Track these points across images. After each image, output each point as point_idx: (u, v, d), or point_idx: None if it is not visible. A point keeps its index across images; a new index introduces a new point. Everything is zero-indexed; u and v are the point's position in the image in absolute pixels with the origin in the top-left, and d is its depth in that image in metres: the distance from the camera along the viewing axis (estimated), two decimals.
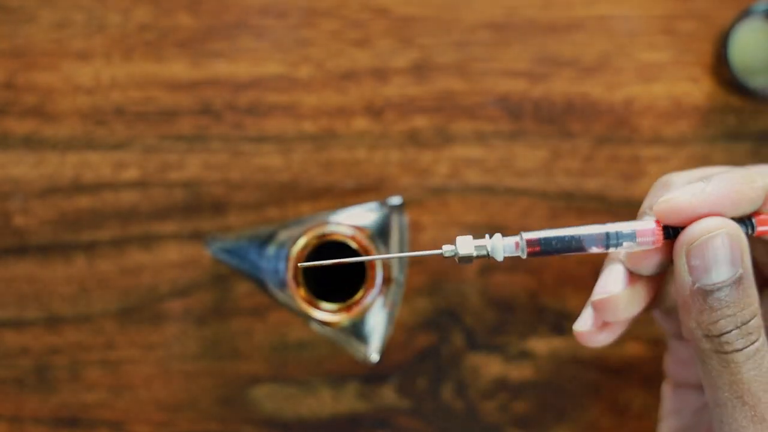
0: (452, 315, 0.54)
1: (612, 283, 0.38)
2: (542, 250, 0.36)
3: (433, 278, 0.54)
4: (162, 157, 0.54)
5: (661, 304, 0.42)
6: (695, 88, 0.54)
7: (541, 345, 0.54)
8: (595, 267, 0.54)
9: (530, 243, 0.36)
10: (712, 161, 0.54)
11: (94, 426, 0.54)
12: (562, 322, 0.54)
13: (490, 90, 0.54)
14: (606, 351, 0.54)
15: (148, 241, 0.54)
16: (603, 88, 0.54)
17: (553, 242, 0.36)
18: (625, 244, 0.36)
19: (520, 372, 0.54)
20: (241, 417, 0.54)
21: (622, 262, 0.38)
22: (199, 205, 0.54)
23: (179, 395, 0.54)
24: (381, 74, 0.54)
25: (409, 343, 0.54)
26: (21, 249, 0.54)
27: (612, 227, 0.36)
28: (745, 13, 0.50)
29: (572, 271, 0.54)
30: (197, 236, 0.54)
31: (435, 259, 0.54)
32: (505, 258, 0.37)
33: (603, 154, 0.54)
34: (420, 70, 0.54)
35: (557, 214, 0.54)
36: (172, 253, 0.54)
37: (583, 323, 0.39)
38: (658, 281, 0.39)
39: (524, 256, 0.36)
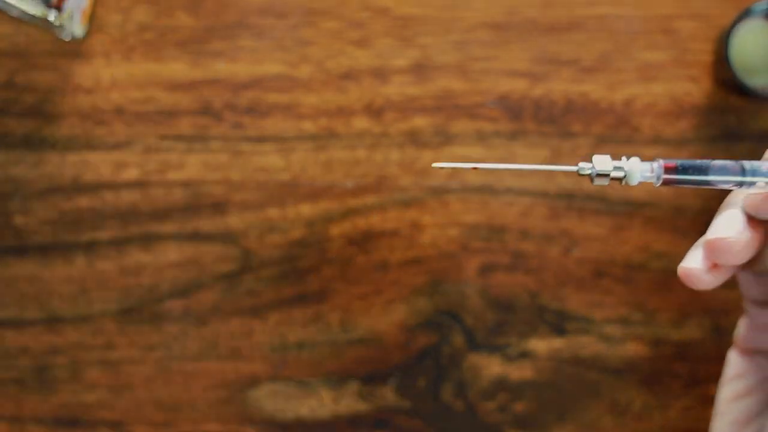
0: (452, 315, 0.54)
1: (730, 225, 0.38)
2: (677, 178, 0.36)
3: (433, 278, 0.54)
4: (162, 157, 0.54)
5: (757, 264, 0.41)
6: (695, 88, 0.54)
7: (541, 345, 0.54)
8: (595, 267, 0.54)
9: (667, 169, 0.36)
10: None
11: (94, 426, 0.54)
12: (562, 322, 0.54)
13: (490, 90, 0.54)
14: (606, 351, 0.54)
15: (148, 241, 0.54)
16: (603, 88, 0.54)
17: (690, 170, 0.36)
18: (758, 181, 0.36)
19: (520, 372, 0.54)
20: (241, 417, 0.54)
21: (741, 208, 0.38)
22: (199, 205, 0.54)
23: (179, 395, 0.54)
24: (381, 74, 0.54)
25: (409, 343, 0.54)
26: (21, 249, 0.54)
27: (749, 163, 0.36)
28: (745, 13, 0.50)
29: (572, 271, 0.54)
30: (197, 236, 0.54)
31: (435, 259, 0.54)
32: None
33: (603, 154, 0.54)
34: (420, 69, 0.54)
35: (557, 214, 0.54)
36: (172, 253, 0.54)
37: (693, 261, 0.39)
38: None
39: (658, 184, 0.36)
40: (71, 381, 0.54)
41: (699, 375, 0.53)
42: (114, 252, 0.54)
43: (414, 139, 0.54)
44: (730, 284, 0.54)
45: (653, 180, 0.36)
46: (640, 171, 0.36)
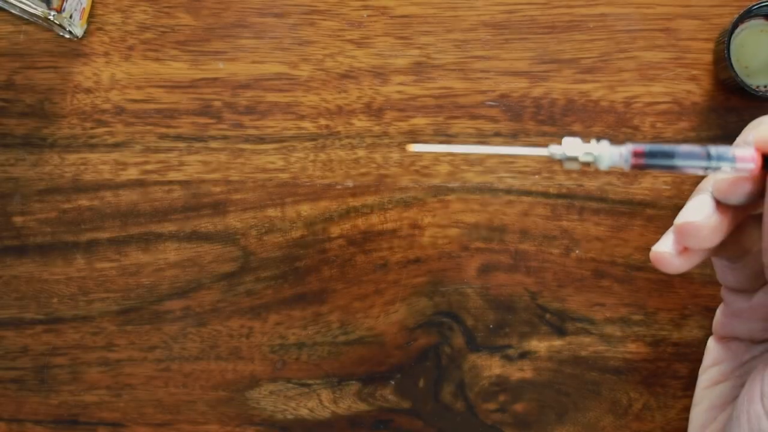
0: (452, 315, 0.54)
1: (699, 209, 0.39)
2: (646, 162, 0.36)
3: (433, 278, 0.54)
4: (162, 157, 0.54)
5: (730, 250, 0.42)
6: (695, 88, 0.54)
7: (542, 345, 0.54)
8: (595, 267, 0.54)
9: (636, 154, 0.36)
10: None
11: (94, 426, 0.54)
12: (562, 323, 0.54)
13: (490, 90, 0.54)
14: (606, 351, 0.54)
15: (147, 241, 0.54)
16: (603, 87, 0.54)
17: (658, 155, 0.36)
18: (723, 166, 0.36)
19: (520, 372, 0.54)
20: (241, 417, 0.54)
21: (710, 193, 0.39)
22: (199, 205, 0.54)
23: (179, 395, 0.54)
24: (381, 74, 0.54)
25: (409, 343, 0.54)
26: (21, 249, 0.54)
27: (714, 148, 0.37)
28: (745, 13, 0.50)
29: (572, 271, 0.54)
30: (197, 236, 0.54)
31: (435, 259, 0.54)
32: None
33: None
34: (420, 69, 0.54)
35: (557, 214, 0.54)
36: (171, 253, 0.54)
37: (663, 245, 0.40)
38: (741, 216, 0.40)
39: (627, 168, 0.36)
40: (71, 381, 0.54)
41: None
42: (114, 252, 0.54)
43: (414, 139, 0.54)
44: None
45: (622, 164, 0.36)
46: (609, 155, 0.36)
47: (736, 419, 0.40)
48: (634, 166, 0.36)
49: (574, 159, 0.36)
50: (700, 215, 0.38)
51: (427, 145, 0.37)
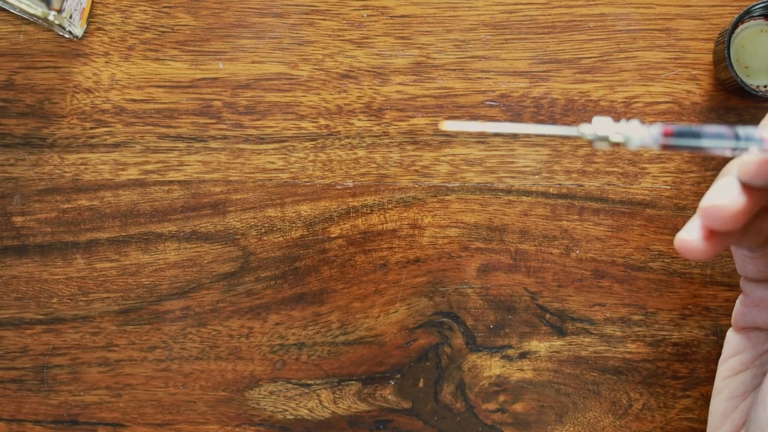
0: (452, 315, 0.54)
1: (724, 191, 0.39)
2: (674, 142, 0.37)
3: (433, 278, 0.54)
4: (162, 157, 0.54)
5: (751, 239, 0.42)
6: (695, 88, 0.54)
7: (541, 345, 0.54)
8: (595, 267, 0.54)
9: (665, 134, 0.37)
10: (712, 161, 0.54)
11: (94, 426, 0.54)
12: (562, 323, 0.54)
13: (490, 90, 0.54)
14: (606, 351, 0.54)
15: (147, 241, 0.54)
16: (603, 87, 0.54)
17: (686, 134, 0.37)
18: (750, 147, 0.37)
19: (520, 372, 0.54)
20: (241, 417, 0.54)
21: (736, 176, 0.39)
22: (199, 205, 0.54)
23: (179, 395, 0.54)
24: (381, 74, 0.54)
25: (409, 344, 0.54)
26: (21, 249, 0.54)
27: (742, 129, 0.37)
28: (745, 13, 0.50)
29: (572, 271, 0.54)
30: (197, 236, 0.54)
31: (435, 259, 0.54)
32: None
33: (603, 153, 0.54)
34: (420, 69, 0.54)
35: (558, 214, 0.54)
36: (171, 253, 0.54)
37: (687, 232, 0.40)
38: (765, 200, 0.40)
39: (656, 148, 0.37)
40: (71, 381, 0.54)
41: (699, 375, 0.53)
42: (114, 252, 0.54)
43: (414, 138, 0.54)
44: (730, 284, 0.54)
45: (651, 144, 0.37)
46: (639, 135, 0.37)
47: (761, 405, 0.41)
48: (664, 146, 0.37)
49: (605, 138, 0.37)
50: (725, 197, 0.39)
51: (460, 122, 0.37)
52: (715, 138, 0.37)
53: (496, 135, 0.54)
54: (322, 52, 0.54)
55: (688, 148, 0.37)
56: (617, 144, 0.37)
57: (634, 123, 0.37)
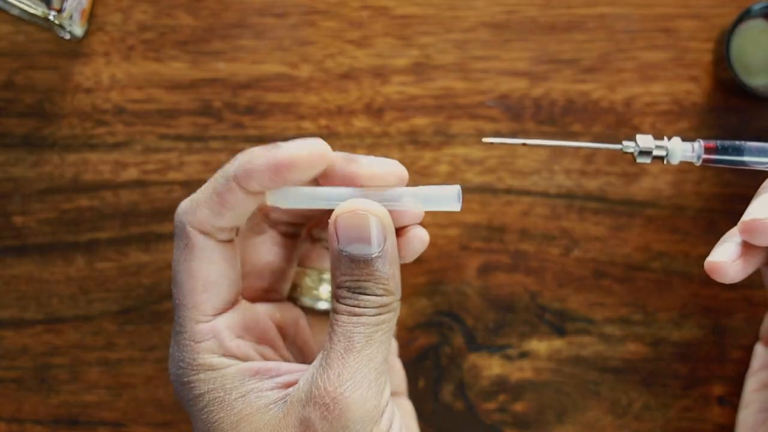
0: (452, 315, 0.54)
1: (765, 207, 0.39)
2: (717, 158, 0.37)
3: (433, 278, 0.54)
4: (162, 157, 0.54)
5: None
6: (695, 88, 0.54)
7: (541, 345, 0.54)
8: (595, 267, 0.54)
9: (707, 149, 0.37)
10: None
11: (94, 426, 0.54)
12: (562, 323, 0.54)
13: (490, 90, 0.54)
14: (606, 351, 0.54)
15: (148, 241, 0.54)
16: (603, 87, 0.54)
17: (729, 149, 0.37)
18: None
19: (520, 372, 0.54)
20: None
21: None
22: None
23: None
24: (381, 74, 0.54)
25: (409, 343, 0.54)
26: (21, 249, 0.54)
27: None
28: (745, 13, 0.50)
29: (572, 271, 0.54)
30: None
31: (435, 259, 0.54)
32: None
33: (603, 153, 0.54)
34: (420, 69, 0.54)
35: (557, 214, 0.54)
36: (171, 253, 0.54)
37: (719, 255, 0.40)
38: None
39: (697, 163, 0.37)
40: (71, 381, 0.54)
41: (699, 375, 0.53)
42: (114, 252, 0.54)
43: (414, 138, 0.54)
44: (730, 285, 0.54)
45: (693, 159, 0.37)
46: (681, 150, 0.38)
47: None
48: (706, 161, 0.37)
49: (648, 153, 0.37)
50: (767, 212, 0.38)
51: (501, 138, 0.39)
52: (757, 154, 0.38)
53: (496, 134, 0.54)
54: (322, 53, 0.54)
55: (728, 164, 0.38)
56: (660, 158, 0.38)
57: (676, 139, 0.38)
